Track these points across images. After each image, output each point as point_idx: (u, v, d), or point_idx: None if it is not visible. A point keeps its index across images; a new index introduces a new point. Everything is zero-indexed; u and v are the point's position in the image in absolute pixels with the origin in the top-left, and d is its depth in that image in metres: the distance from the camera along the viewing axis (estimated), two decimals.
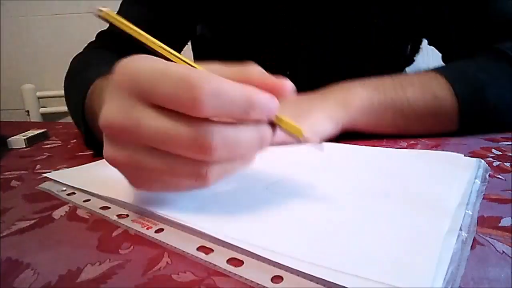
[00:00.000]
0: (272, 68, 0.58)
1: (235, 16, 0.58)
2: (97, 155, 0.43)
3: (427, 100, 0.43)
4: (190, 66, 0.21)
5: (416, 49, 0.64)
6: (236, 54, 0.61)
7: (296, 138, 0.24)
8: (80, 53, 0.61)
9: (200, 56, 0.70)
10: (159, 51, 0.23)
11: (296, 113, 0.39)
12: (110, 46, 0.58)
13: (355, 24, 0.56)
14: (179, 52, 0.62)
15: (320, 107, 0.42)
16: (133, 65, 0.21)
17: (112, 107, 0.21)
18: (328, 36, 0.57)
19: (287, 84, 0.22)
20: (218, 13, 0.59)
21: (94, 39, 0.63)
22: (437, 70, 0.45)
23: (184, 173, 0.22)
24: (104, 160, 0.37)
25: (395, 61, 0.48)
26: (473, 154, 0.37)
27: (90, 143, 0.43)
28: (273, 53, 0.59)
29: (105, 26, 0.62)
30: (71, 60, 0.59)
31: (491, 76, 0.44)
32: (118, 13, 0.59)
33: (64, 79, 0.56)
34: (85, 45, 0.63)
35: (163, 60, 0.21)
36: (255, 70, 0.22)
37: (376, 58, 0.46)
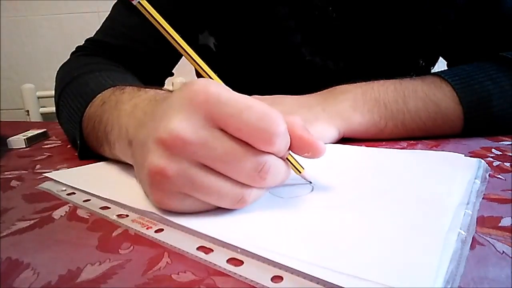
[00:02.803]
0: (279, 82, 0.57)
1: (241, 27, 0.56)
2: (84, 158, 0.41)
3: (430, 111, 0.43)
4: (263, 103, 0.23)
5: (432, 62, 0.64)
6: (240, 66, 0.60)
7: (297, 172, 0.28)
8: (73, 58, 0.57)
9: None
10: (186, 53, 0.26)
11: (303, 120, 0.41)
12: (103, 54, 0.56)
13: (367, 40, 0.55)
14: (179, 59, 0.62)
15: (323, 116, 0.43)
16: (213, 89, 0.22)
17: (182, 122, 0.22)
18: (339, 53, 0.56)
19: (322, 147, 0.25)
20: (225, 24, 0.57)
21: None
22: (442, 75, 0.44)
23: (229, 195, 0.23)
24: (104, 162, 0.38)
25: (407, 74, 0.48)
26: (473, 154, 0.37)
27: (84, 154, 0.41)
28: (281, 68, 0.58)
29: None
30: (61, 65, 0.56)
31: (498, 85, 0.43)
32: (113, 14, 0.58)
33: (56, 82, 0.52)
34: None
35: (233, 91, 0.23)
36: (299, 124, 0.25)
37: (388, 72, 0.46)
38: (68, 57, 0.58)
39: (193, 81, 0.23)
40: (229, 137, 0.22)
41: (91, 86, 0.42)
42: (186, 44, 0.26)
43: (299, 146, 0.25)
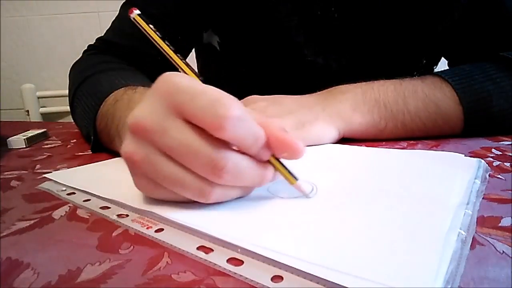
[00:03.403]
0: (281, 81, 0.57)
1: (245, 26, 0.57)
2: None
3: (430, 111, 0.43)
4: (221, 91, 0.23)
5: (434, 61, 0.63)
6: (243, 64, 0.60)
7: (290, 183, 0.26)
8: (85, 57, 0.59)
9: (205, 64, 0.68)
10: (176, 62, 0.27)
11: (303, 120, 0.42)
12: (113, 53, 0.57)
13: (368, 40, 0.55)
14: (185, 58, 0.62)
15: (323, 116, 0.43)
16: (175, 79, 0.23)
17: (145, 110, 0.23)
18: (341, 53, 0.56)
19: (300, 147, 0.24)
20: (228, 22, 0.58)
21: (94, 41, 0.62)
22: (442, 75, 0.44)
23: (190, 188, 0.23)
24: (104, 162, 0.38)
25: (410, 73, 0.48)
26: (473, 154, 0.37)
27: (97, 148, 0.44)
28: (283, 67, 0.58)
29: (105, 25, 0.62)
30: (74, 63, 0.58)
31: (498, 85, 0.43)
32: (120, 15, 0.59)
33: (69, 80, 0.55)
34: (86, 45, 0.62)
35: (200, 82, 0.24)
36: (276, 124, 0.25)
37: (390, 72, 0.46)
38: (69, 56, 0.60)
39: (162, 75, 0.24)
40: (190, 128, 0.22)
41: (104, 86, 0.45)
42: (168, 48, 0.28)
43: (275, 146, 0.24)
